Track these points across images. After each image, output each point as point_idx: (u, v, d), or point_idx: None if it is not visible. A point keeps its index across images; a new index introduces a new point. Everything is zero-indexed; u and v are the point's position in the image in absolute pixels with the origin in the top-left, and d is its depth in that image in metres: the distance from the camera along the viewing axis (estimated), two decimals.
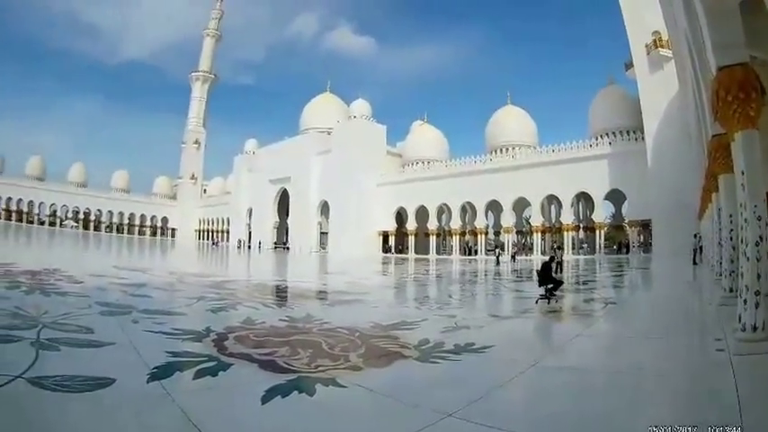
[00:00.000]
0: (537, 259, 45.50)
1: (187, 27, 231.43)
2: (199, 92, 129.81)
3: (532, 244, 61.53)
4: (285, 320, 9.16)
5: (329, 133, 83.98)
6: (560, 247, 44.92)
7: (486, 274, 29.41)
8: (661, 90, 42.74)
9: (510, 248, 57.45)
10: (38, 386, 4.34)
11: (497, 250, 52.22)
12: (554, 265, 13.87)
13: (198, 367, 5.46)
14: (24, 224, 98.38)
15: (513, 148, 67.40)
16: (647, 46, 45.09)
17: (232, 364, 5.70)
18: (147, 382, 4.85)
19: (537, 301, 12.75)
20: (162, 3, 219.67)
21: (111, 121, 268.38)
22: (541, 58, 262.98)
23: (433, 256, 63.84)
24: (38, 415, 3.97)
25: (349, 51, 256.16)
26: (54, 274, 13.90)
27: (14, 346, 5.65)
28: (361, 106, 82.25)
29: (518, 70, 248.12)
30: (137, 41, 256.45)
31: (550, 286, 13.07)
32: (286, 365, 5.79)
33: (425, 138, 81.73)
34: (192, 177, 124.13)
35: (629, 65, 50.30)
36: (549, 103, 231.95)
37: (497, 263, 41.15)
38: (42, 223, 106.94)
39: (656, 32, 43.67)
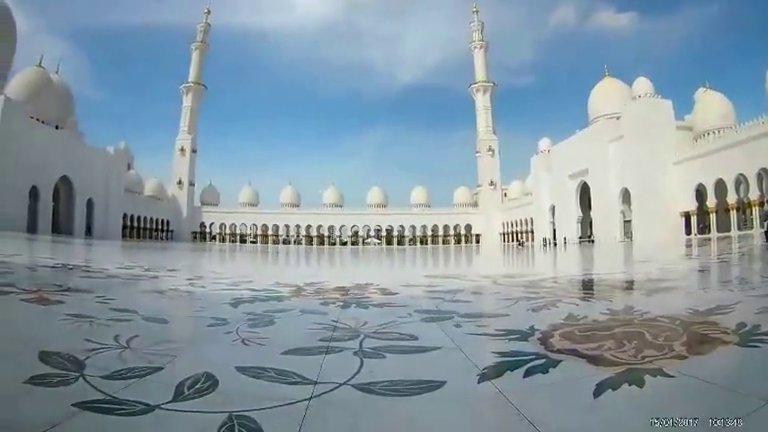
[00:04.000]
0: None
1: (453, 43, 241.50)
2: (482, 101, 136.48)
3: None
4: (606, 313, 8.84)
5: (618, 118, 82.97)
6: None
7: None
8: None
9: None
10: (366, 391, 4.52)
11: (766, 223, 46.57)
12: None
13: (527, 366, 5.32)
14: (326, 246, 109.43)
15: None
16: None
17: (561, 361, 5.52)
18: (478, 383, 4.83)
19: None
20: (422, 30, 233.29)
21: (403, 144, 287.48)
22: None
23: (734, 232, 61.94)
24: (369, 416, 4.17)
25: (615, 31, 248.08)
26: (367, 288, 14.70)
27: (337, 356, 5.94)
28: (642, 84, 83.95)
29: None
30: (408, 69, 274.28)
31: None
32: (613, 358, 5.56)
33: (711, 105, 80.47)
34: (491, 183, 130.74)
35: None
36: None
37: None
38: (344, 244, 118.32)
39: None
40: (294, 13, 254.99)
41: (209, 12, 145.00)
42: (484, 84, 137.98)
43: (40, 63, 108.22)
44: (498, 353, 6.01)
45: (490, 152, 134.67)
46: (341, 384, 4.72)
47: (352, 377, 4.94)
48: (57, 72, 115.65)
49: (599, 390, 4.42)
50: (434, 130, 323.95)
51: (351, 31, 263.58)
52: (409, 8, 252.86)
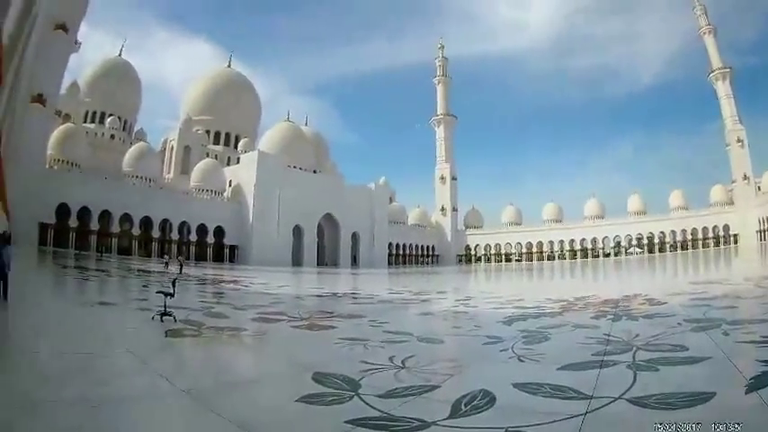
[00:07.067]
0: None
1: (680, 32, 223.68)
2: (723, 89, 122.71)
3: None
4: None
5: None
6: None
7: None
8: None
9: None
10: (639, 405, 4.61)
11: None
12: None
13: None
14: (590, 259, 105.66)
15: None
16: None
17: None
18: (745, 394, 4.80)
19: None
20: (647, 25, 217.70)
21: (654, 146, 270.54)
22: None
23: None
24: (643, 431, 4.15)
25: None
26: (635, 299, 14.52)
27: (611, 370, 6.12)
28: None
29: None
30: (647, 67, 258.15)
31: None
32: None
33: None
34: (744, 178, 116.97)
35: None
36: None
37: None
38: (607, 255, 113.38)
39: None
40: (527, 31, 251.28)
41: (442, 47, 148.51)
42: (722, 71, 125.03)
43: (288, 118, 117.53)
44: (764, 361, 5.85)
45: (739, 143, 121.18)
46: (615, 399, 4.85)
47: (626, 391, 5.06)
48: (305, 124, 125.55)
49: None
50: (681, 126, 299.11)
51: (583, 37, 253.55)
52: (629, 6, 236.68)
